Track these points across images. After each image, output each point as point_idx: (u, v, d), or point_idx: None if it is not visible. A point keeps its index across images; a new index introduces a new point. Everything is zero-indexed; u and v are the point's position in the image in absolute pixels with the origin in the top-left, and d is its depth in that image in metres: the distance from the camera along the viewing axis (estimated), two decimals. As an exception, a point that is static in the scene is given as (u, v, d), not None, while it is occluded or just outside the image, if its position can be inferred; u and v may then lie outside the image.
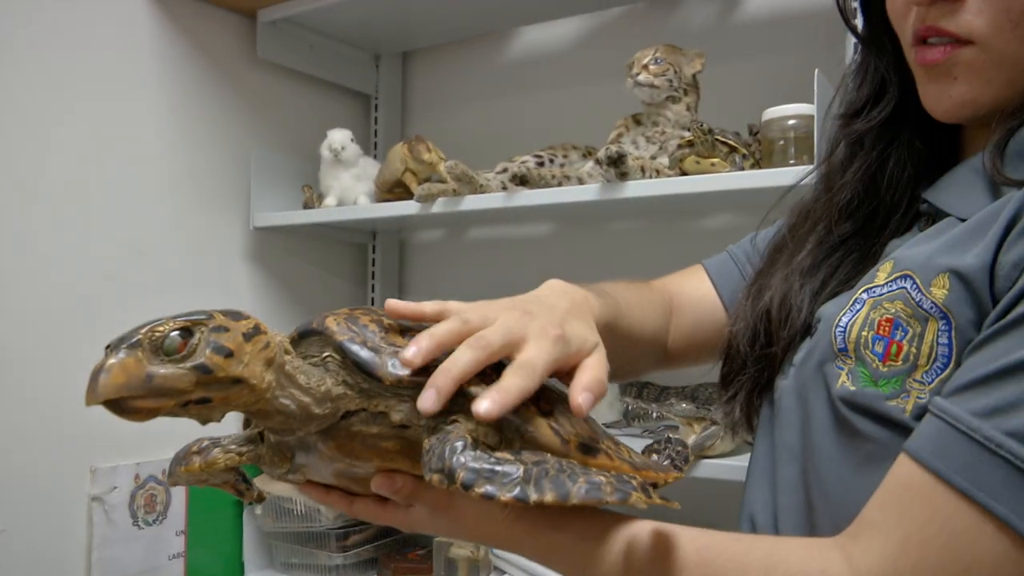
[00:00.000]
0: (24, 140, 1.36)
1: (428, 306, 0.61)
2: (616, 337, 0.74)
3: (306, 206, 1.68)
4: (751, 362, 0.74)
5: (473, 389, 0.53)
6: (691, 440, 1.21)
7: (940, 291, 0.57)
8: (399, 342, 0.57)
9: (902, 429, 0.56)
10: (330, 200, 1.61)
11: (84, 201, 1.43)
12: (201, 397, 0.50)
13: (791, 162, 1.21)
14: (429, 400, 0.53)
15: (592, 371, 0.58)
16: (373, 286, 1.93)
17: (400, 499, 0.60)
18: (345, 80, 1.88)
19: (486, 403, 0.51)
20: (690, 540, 0.56)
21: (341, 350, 0.56)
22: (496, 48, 1.87)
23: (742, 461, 1.12)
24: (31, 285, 1.37)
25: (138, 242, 1.50)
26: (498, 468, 0.49)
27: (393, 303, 0.60)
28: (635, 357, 0.84)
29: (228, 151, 1.65)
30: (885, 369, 0.58)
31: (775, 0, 1.55)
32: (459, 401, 0.53)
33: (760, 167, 1.28)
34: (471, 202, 1.42)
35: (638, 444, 1.28)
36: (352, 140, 1.62)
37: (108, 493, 1.42)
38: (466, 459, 0.50)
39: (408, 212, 1.47)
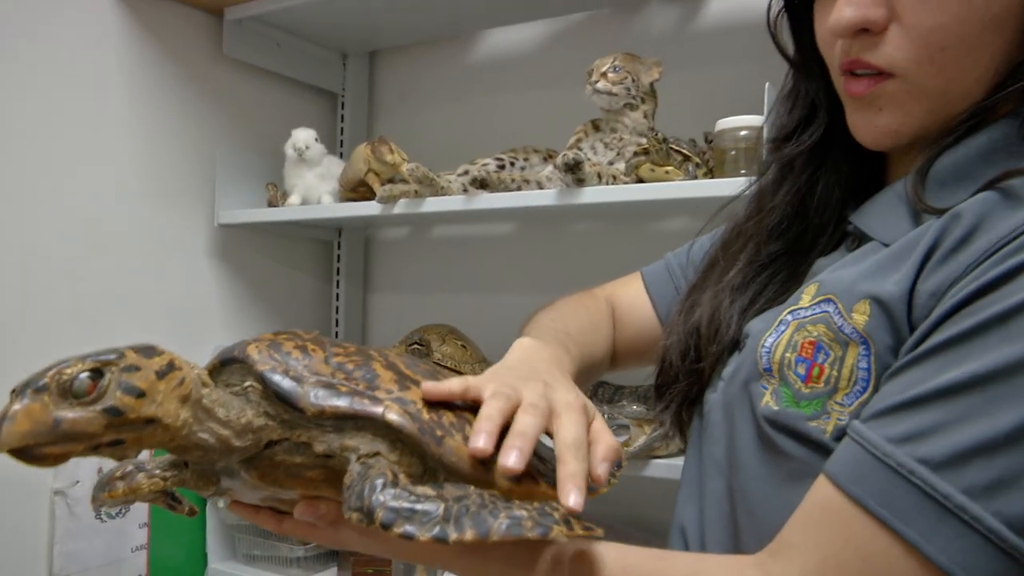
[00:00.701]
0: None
1: (455, 383, 0.60)
2: (580, 374, 0.77)
3: (270, 204, 1.67)
4: (683, 375, 0.75)
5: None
6: (641, 441, 1.23)
7: (861, 317, 0.58)
8: (323, 370, 0.56)
9: (823, 449, 0.58)
10: (294, 199, 1.60)
11: (47, 197, 1.42)
12: (113, 439, 0.48)
13: (742, 172, 1.22)
14: (514, 457, 0.52)
15: (606, 438, 0.59)
16: (338, 282, 1.93)
17: (324, 525, 0.59)
18: (312, 78, 1.87)
19: (574, 496, 0.51)
20: (615, 560, 0.57)
21: (262, 380, 0.54)
22: (462, 50, 1.87)
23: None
24: None
25: (102, 238, 1.49)
26: (418, 507, 0.48)
27: (429, 387, 0.59)
28: (593, 375, 0.87)
29: (193, 148, 1.64)
30: (807, 390, 0.60)
31: (733, 11, 1.57)
32: (374, 428, 0.54)
33: (713, 175, 1.30)
34: (432, 203, 1.42)
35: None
36: (316, 139, 1.61)
37: (71, 487, 1.41)
38: (385, 498, 0.48)
39: (371, 212, 1.47)
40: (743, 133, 1.24)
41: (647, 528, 1.33)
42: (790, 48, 0.74)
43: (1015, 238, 0.52)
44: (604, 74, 1.38)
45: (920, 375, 0.52)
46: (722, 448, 0.67)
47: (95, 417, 0.47)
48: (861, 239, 0.67)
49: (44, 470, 1.39)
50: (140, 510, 1.52)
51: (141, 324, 1.55)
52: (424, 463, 0.55)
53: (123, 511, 1.49)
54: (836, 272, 0.64)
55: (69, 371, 0.47)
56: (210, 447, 0.53)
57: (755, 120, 1.23)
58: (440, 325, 1.60)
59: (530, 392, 0.59)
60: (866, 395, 0.57)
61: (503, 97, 1.82)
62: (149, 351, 0.50)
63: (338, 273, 1.93)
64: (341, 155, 1.90)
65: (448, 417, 0.57)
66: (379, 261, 2.00)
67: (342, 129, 1.93)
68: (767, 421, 0.62)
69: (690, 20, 1.62)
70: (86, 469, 1.44)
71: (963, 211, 0.55)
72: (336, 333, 1.93)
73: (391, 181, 1.50)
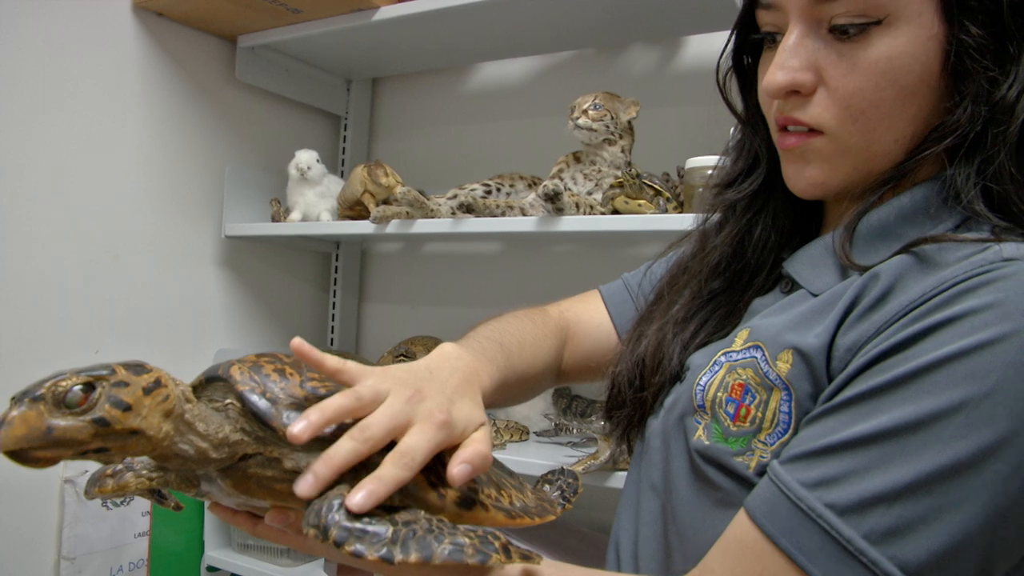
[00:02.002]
0: (12, 151, 1.39)
1: (329, 361, 0.60)
2: (509, 385, 0.79)
3: (274, 219, 1.73)
4: (629, 402, 0.78)
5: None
6: (606, 454, 1.30)
7: (784, 365, 0.62)
8: (298, 393, 0.59)
9: (746, 482, 0.61)
10: (295, 215, 1.67)
11: (68, 208, 1.47)
12: (100, 447, 0.51)
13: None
14: (306, 485, 0.54)
15: (475, 445, 0.60)
16: (335, 291, 1.99)
17: (292, 532, 0.61)
18: (317, 102, 1.92)
19: (360, 495, 0.52)
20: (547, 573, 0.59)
21: (241, 399, 0.57)
22: (458, 80, 1.94)
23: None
24: (14, 282, 1.41)
25: (117, 247, 1.55)
26: (369, 528, 0.50)
27: (298, 344, 0.59)
28: (530, 387, 0.89)
29: (204, 165, 1.70)
30: (735, 429, 0.63)
31: (708, 55, 1.63)
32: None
33: (683, 209, 1.37)
34: (422, 225, 1.48)
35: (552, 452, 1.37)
36: (318, 160, 1.67)
37: (79, 476, 1.47)
38: (339, 517, 0.51)
39: (365, 231, 1.53)
40: (710, 171, 1.30)
41: (603, 528, 1.39)
42: (738, 104, 0.78)
43: (922, 303, 0.55)
44: (585, 111, 1.44)
45: (833, 425, 0.55)
46: (659, 472, 0.71)
47: (84, 426, 0.49)
48: (794, 284, 0.70)
49: (53, 467, 1.45)
50: (143, 499, 1.59)
51: (152, 326, 1.61)
52: None
53: (127, 500, 1.55)
54: (767, 319, 0.68)
55: (64, 384, 0.50)
56: (189, 457, 0.55)
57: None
58: (426, 337, 1.66)
59: (387, 408, 0.58)
60: (786, 436, 0.60)
61: (494, 125, 1.89)
62: (139, 368, 0.53)
63: (335, 283, 1.98)
64: (342, 173, 1.96)
65: None
66: (374, 272, 2.05)
67: (344, 149, 1.99)
68: (698, 453, 0.65)
69: (668, 61, 1.69)
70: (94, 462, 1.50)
71: (881, 272, 0.59)
72: (331, 340, 1.98)
73: (386, 202, 1.57)
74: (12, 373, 1.40)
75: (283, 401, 0.57)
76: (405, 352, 1.54)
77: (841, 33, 0.62)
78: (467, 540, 0.51)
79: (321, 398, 0.58)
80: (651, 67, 1.70)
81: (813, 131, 0.66)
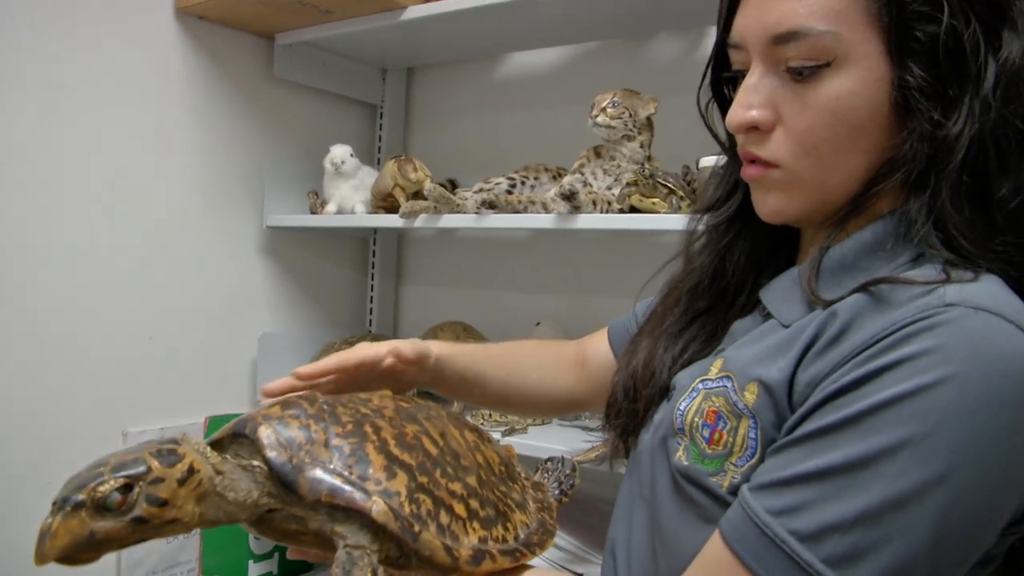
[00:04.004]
0: (69, 149, 1.46)
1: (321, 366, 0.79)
2: (485, 377, 0.93)
3: (311, 211, 1.78)
4: (624, 411, 0.82)
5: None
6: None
7: (751, 395, 0.66)
8: (323, 455, 0.61)
9: (721, 500, 0.65)
10: (331, 207, 1.72)
11: (119, 203, 1.55)
12: (139, 540, 0.54)
13: (718, 207, 1.30)
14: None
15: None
16: (373, 275, 2.04)
17: (314, 561, 0.71)
18: (353, 92, 1.96)
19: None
20: None
21: (269, 465, 0.59)
22: (490, 69, 1.95)
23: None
24: (72, 270, 1.48)
25: (166, 238, 1.62)
26: None
27: (270, 390, 0.79)
28: (528, 397, 0.96)
29: (245, 159, 1.75)
30: (710, 451, 0.67)
31: None
32: (360, 517, 0.59)
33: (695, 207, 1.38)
34: (448, 220, 1.52)
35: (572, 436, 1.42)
36: (352, 155, 1.72)
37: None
38: None
39: (396, 224, 1.58)
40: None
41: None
42: (721, 133, 0.80)
43: (873, 344, 0.58)
44: (604, 109, 1.45)
45: (795, 456, 0.59)
46: (648, 485, 0.75)
47: (124, 527, 0.52)
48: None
49: (112, 436, 1.56)
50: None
51: (201, 312, 1.69)
52: (401, 548, 0.61)
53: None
54: (739, 350, 0.71)
55: (103, 489, 0.51)
56: (219, 520, 0.59)
57: (732, 159, 1.30)
58: (455, 323, 1.71)
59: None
60: (754, 459, 0.64)
61: (523, 113, 1.91)
62: (171, 456, 0.55)
63: (372, 267, 2.04)
64: (378, 161, 2.00)
65: (427, 504, 0.63)
66: (410, 255, 2.09)
67: (380, 137, 2.03)
68: (679, 472, 0.69)
69: (693, 51, 1.68)
70: (150, 438, 1.59)
71: (839, 311, 0.62)
72: (370, 321, 2.05)
73: (416, 195, 1.61)
74: (77, 348, 1.49)
75: (308, 468, 0.59)
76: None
77: (796, 74, 0.65)
78: None
79: (345, 459, 0.61)
80: (676, 57, 1.70)
81: (771, 164, 0.69)
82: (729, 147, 0.80)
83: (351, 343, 1.72)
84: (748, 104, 0.68)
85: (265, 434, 0.60)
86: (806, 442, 0.59)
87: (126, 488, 0.52)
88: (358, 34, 1.68)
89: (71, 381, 1.49)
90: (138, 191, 1.58)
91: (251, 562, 1.78)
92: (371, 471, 0.61)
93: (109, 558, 1.51)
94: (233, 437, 0.62)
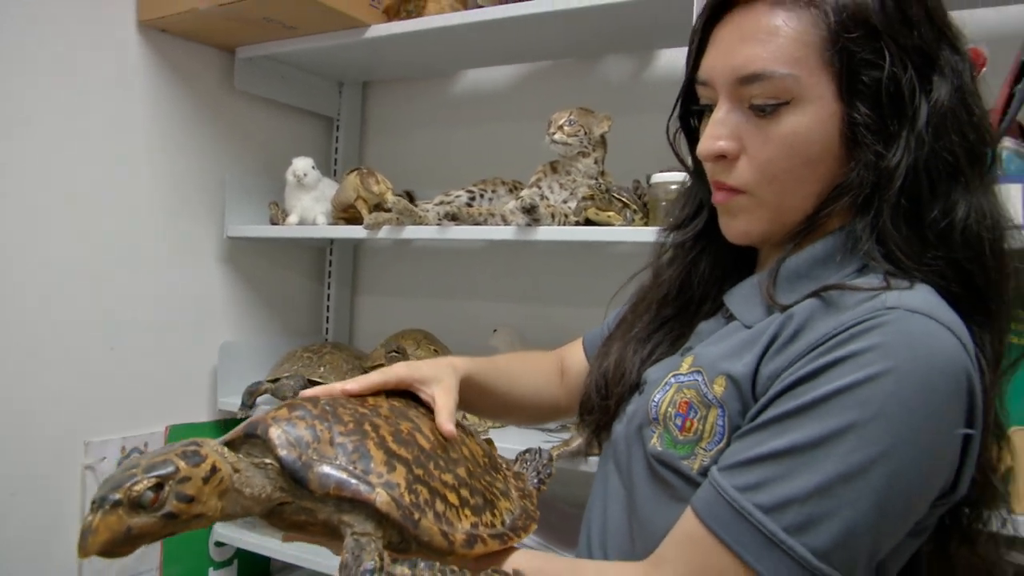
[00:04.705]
0: (29, 160, 1.46)
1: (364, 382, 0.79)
2: (496, 387, 0.94)
3: (272, 222, 1.80)
4: (597, 408, 0.90)
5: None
6: (578, 441, 1.40)
7: (719, 388, 0.73)
8: (329, 452, 0.66)
9: (691, 481, 0.73)
10: (292, 218, 1.74)
11: (79, 213, 1.54)
12: (169, 533, 0.59)
13: (670, 221, 1.38)
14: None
15: (442, 414, 0.78)
16: (329, 284, 2.07)
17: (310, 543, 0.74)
18: (311, 105, 1.98)
19: None
20: (532, 566, 0.72)
21: (281, 463, 0.64)
22: (445, 85, 2.00)
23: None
24: (32, 281, 1.47)
25: (128, 248, 1.62)
26: (395, 571, 0.59)
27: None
28: (525, 404, 1.02)
29: (206, 170, 1.77)
30: (682, 438, 0.74)
31: (680, 67, 1.67)
32: (365, 508, 0.64)
33: (648, 221, 1.45)
34: (410, 231, 1.57)
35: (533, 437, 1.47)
36: (313, 167, 1.74)
37: (98, 463, 1.56)
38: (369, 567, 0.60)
39: (359, 235, 1.61)
40: (673, 187, 1.40)
41: (581, 505, 1.50)
42: (687, 159, 0.88)
43: (825, 342, 0.66)
44: (560, 127, 1.52)
45: (758, 439, 0.67)
46: (624, 471, 0.82)
47: (157, 522, 0.57)
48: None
49: (74, 446, 1.55)
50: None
51: (159, 321, 1.69)
52: (402, 534, 0.66)
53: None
54: (707, 348, 0.79)
55: (137, 488, 0.57)
56: (235, 515, 0.64)
57: (683, 176, 1.37)
58: (415, 331, 1.75)
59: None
60: (722, 444, 0.72)
61: (479, 128, 1.96)
62: (195, 457, 0.60)
63: (329, 276, 2.06)
64: (335, 172, 2.03)
65: (424, 494, 0.68)
66: (366, 265, 2.12)
67: (336, 149, 2.06)
68: (654, 457, 0.77)
69: (641, 72, 1.76)
70: (112, 447, 1.60)
71: (795, 313, 0.70)
72: (326, 330, 2.07)
73: (378, 207, 1.65)
74: (36, 370, 1.48)
75: (316, 464, 0.64)
76: (396, 348, 1.63)
77: (759, 110, 0.73)
78: None
79: (349, 455, 0.66)
80: (626, 77, 1.78)
81: (737, 190, 0.77)
82: (695, 171, 0.87)
83: (313, 351, 1.75)
84: (717, 136, 0.75)
85: (276, 434, 0.65)
86: (767, 427, 0.67)
87: (158, 487, 0.57)
88: (318, 49, 1.72)
89: (32, 392, 1.48)
90: (99, 201, 1.58)
91: (211, 569, 1.78)
92: (373, 465, 0.66)
93: (71, 567, 1.51)
94: (245, 437, 0.66)
